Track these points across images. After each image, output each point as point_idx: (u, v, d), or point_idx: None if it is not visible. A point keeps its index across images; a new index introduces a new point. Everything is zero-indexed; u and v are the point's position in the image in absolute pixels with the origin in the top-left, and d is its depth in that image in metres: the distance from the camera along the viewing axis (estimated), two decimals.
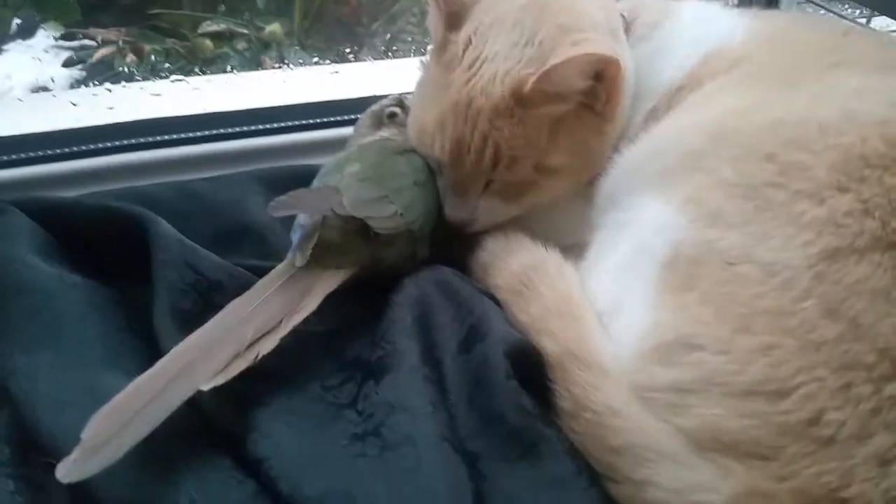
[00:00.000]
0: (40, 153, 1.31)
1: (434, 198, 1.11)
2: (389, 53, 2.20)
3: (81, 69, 1.93)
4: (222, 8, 2.25)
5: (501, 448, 0.82)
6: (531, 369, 0.87)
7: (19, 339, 0.87)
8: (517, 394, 0.84)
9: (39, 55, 1.90)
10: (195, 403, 0.79)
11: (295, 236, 0.97)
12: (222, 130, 1.42)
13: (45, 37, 1.97)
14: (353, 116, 1.29)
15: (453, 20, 1.08)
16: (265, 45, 2.18)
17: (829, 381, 0.72)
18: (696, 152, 0.90)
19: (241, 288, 0.93)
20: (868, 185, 0.78)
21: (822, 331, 0.74)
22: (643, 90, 1.12)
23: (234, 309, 0.86)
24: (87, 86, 1.75)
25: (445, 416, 0.83)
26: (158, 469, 0.76)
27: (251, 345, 0.83)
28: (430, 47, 1.16)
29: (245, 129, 1.44)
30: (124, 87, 1.71)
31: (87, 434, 0.73)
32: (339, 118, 1.50)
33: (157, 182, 1.23)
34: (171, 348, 0.83)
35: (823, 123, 0.84)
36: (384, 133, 1.20)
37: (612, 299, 0.91)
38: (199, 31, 2.16)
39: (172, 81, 1.80)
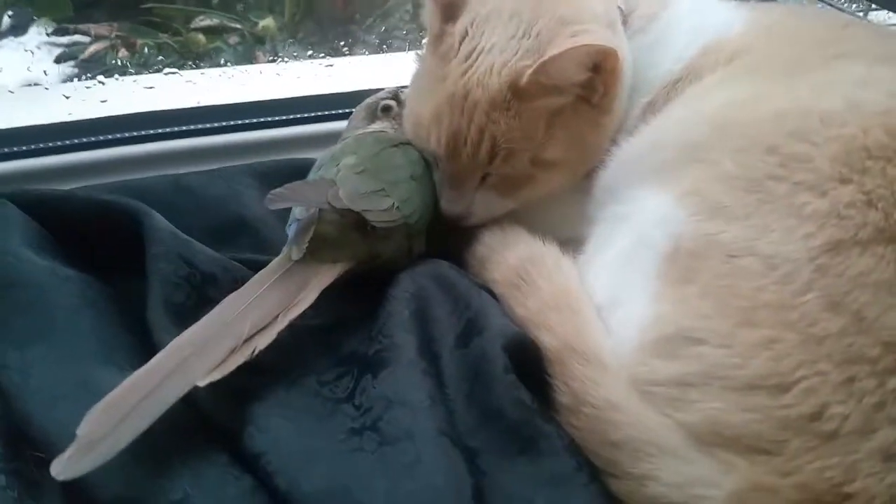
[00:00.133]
0: (33, 146, 1.29)
1: (430, 191, 1.10)
2: (384, 47, 2.19)
3: (73, 66, 1.92)
4: (215, 2, 2.24)
5: (500, 443, 0.81)
6: (529, 364, 0.86)
7: (11, 333, 0.86)
8: (516, 388, 0.83)
9: (31, 52, 1.89)
10: (191, 398, 0.79)
11: (291, 230, 0.97)
12: (216, 124, 1.41)
13: (37, 34, 1.96)
14: (347, 110, 1.29)
15: (450, 12, 1.07)
16: (258, 39, 2.17)
17: (831, 375, 0.71)
18: (697, 144, 0.90)
19: (236, 281, 0.93)
20: (870, 176, 0.78)
21: (824, 324, 0.73)
22: (641, 82, 1.11)
23: (231, 303, 0.86)
24: (80, 80, 1.74)
25: (444, 410, 0.83)
26: (153, 464, 0.76)
27: (248, 339, 0.83)
28: (425, 40, 1.15)
29: (239, 122, 1.43)
30: (117, 80, 1.69)
31: (82, 430, 0.72)
32: (333, 112, 1.49)
33: (151, 175, 1.22)
34: (165, 341, 0.83)
35: (825, 115, 0.84)
36: (378, 126, 1.19)
37: (610, 293, 0.90)
38: (192, 25, 2.15)
39: (166, 74, 1.79)
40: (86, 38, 2.02)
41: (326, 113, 1.49)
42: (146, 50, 2.03)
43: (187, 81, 1.73)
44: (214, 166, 1.28)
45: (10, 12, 1.97)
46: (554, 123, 1.04)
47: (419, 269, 1.00)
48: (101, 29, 2.04)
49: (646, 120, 1.05)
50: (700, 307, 0.79)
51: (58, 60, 1.95)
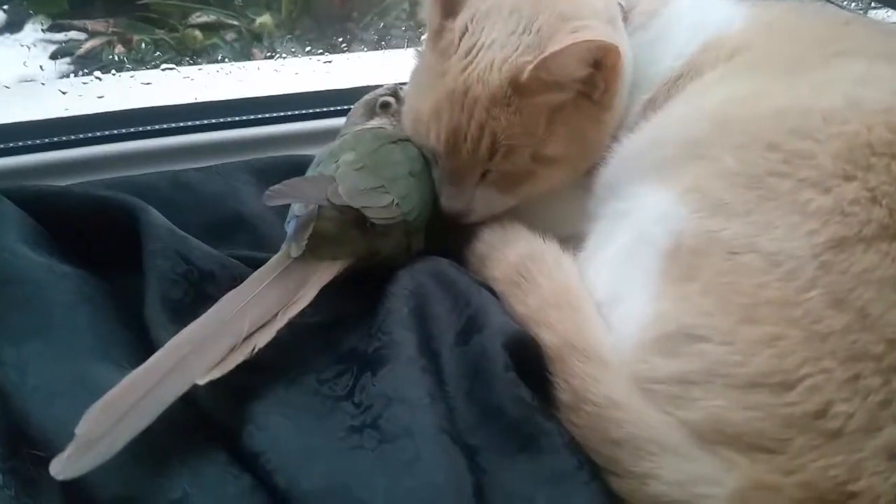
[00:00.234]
0: (29, 142, 1.29)
1: (429, 188, 1.10)
2: (383, 43, 2.18)
3: (69, 62, 1.91)
4: None
5: (500, 441, 0.81)
6: (530, 361, 0.86)
7: (8, 329, 0.86)
8: (516, 386, 0.82)
9: (27, 49, 1.88)
10: (190, 396, 0.78)
11: (290, 226, 0.96)
12: (214, 120, 1.41)
13: (32, 30, 1.95)
14: (346, 107, 1.28)
15: (449, 7, 1.07)
16: (255, 36, 2.17)
17: (836, 373, 0.71)
18: (698, 141, 0.89)
19: (234, 278, 0.93)
20: (875, 173, 0.77)
21: (828, 321, 0.73)
22: (641, 79, 1.11)
23: (230, 301, 0.85)
24: (76, 76, 1.73)
25: (444, 407, 0.82)
26: (152, 463, 0.75)
27: (247, 337, 0.82)
28: (424, 37, 1.15)
29: (237, 118, 1.43)
30: (114, 75, 1.69)
31: (81, 429, 0.72)
32: (332, 108, 1.48)
33: (149, 172, 1.22)
34: (162, 338, 0.83)
35: (827, 112, 0.83)
36: (376, 122, 1.19)
37: (611, 290, 0.90)
38: (189, 21, 2.15)
39: (163, 70, 1.78)
40: (81, 35, 2.01)
41: (324, 109, 1.49)
42: (143, 45, 2.02)
43: (185, 77, 1.72)
44: (212, 163, 1.27)
45: (5, 7, 1.96)
46: (554, 120, 1.04)
47: (418, 266, 1.00)
48: (97, 25, 2.04)
49: (646, 116, 1.05)
50: (702, 304, 0.79)
51: (53, 57, 1.94)
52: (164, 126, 1.38)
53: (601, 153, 1.05)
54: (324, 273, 0.91)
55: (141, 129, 1.36)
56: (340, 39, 2.14)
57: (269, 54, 2.09)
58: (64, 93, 1.53)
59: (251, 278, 0.89)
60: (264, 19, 2.19)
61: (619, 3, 1.13)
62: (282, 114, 1.46)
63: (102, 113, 1.40)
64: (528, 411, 0.81)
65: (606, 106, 1.06)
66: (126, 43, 2.02)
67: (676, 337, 0.78)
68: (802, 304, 0.74)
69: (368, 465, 0.77)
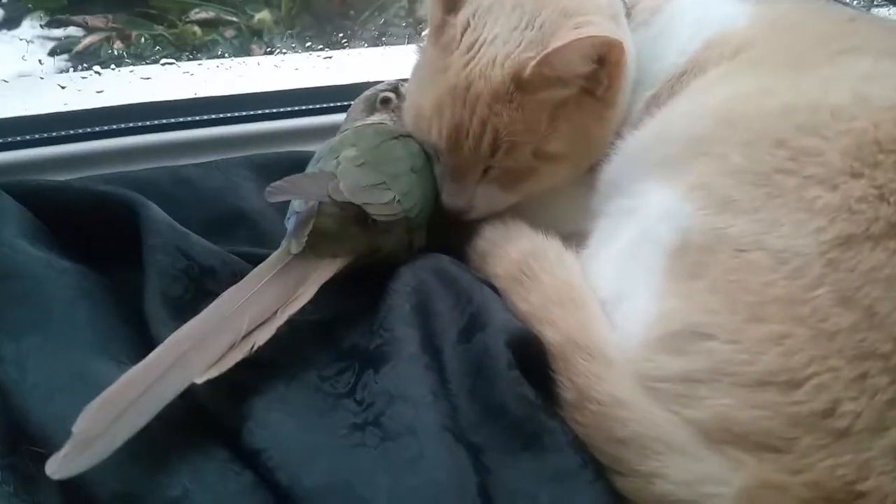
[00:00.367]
0: (28, 137, 1.28)
1: (431, 184, 1.09)
2: (384, 39, 2.18)
3: (67, 59, 1.91)
4: None
5: (504, 439, 0.81)
6: (533, 359, 0.85)
7: (7, 324, 0.85)
8: (519, 384, 0.82)
9: (25, 45, 1.87)
10: (189, 393, 0.77)
11: (290, 223, 0.96)
12: (214, 115, 1.41)
13: (30, 27, 1.95)
14: (346, 103, 1.28)
15: (451, 2, 1.06)
16: (254, 32, 2.17)
17: (843, 372, 0.70)
18: (703, 138, 0.88)
19: (234, 274, 0.92)
20: (882, 170, 0.77)
21: (835, 319, 0.72)
22: (644, 76, 1.11)
23: (229, 298, 0.85)
24: (75, 70, 1.73)
25: (447, 405, 0.82)
26: (152, 460, 0.74)
27: (246, 335, 0.82)
28: (424, 32, 1.14)
29: (237, 114, 1.42)
30: (114, 70, 1.68)
31: (78, 427, 0.71)
32: (332, 104, 1.48)
33: (148, 167, 1.21)
34: (163, 334, 0.82)
35: (835, 108, 0.83)
36: (376, 118, 1.18)
37: (615, 287, 0.89)
38: (188, 18, 2.15)
39: (163, 65, 1.78)
40: (80, 31, 2.01)
41: (325, 105, 1.49)
42: (142, 40, 2.01)
43: (184, 73, 1.71)
44: (212, 158, 1.26)
45: (3, 1, 1.96)
46: (557, 116, 1.03)
47: (420, 262, 0.99)
48: (95, 21, 2.03)
49: (650, 113, 1.04)
50: (708, 302, 0.78)
51: (52, 53, 1.93)
52: (164, 121, 1.37)
53: (604, 150, 1.04)
54: (324, 270, 0.90)
55: (140, 124, 1.36)
56: (341, 35, 2.13)
57: (268, 50, 2.08)
58: (63, 87, 1.53)
59: (251, 275, 0.88)
60: (263, 15, 2.19)
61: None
62: (282, 109, 1.46)
63: (101, 108, 1.39)
64: (531, 409, 0.81)
65: (609, 103, 1.05)
66: (125, 39, 2.01)
67: (682, 335, 0.78)
68: (809, 302, 0.73)
69: (371, 463, 0.76)
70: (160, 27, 2.09)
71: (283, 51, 2.05)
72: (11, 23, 1.96)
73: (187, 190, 1.16)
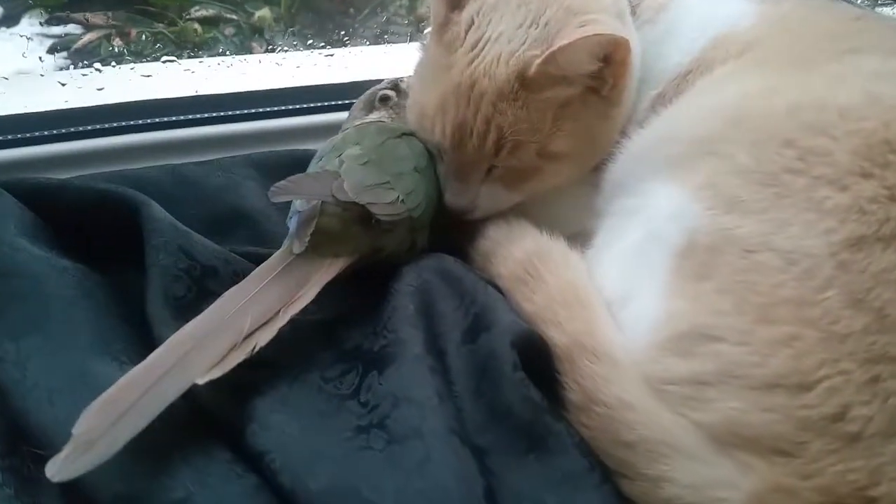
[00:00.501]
0: (28, 135, 1.28)
1: (434, 184, 1.08)
2: (386, 37, 2.17)
3: (66, 56, 1.91)
4: None
5: (509, 442, 0.80)
6: (538, 361, 0.85)
7: (6, 324, 0.85)
8: (525, 386, 0.81)
9: (24, 42, 1.87)
10: (191, 394, 0.77)
11: (292, 222, 0.95)
12: (215, 113, 1.40)
13: (28, 24, 1.95)
14: (348, 101, 1.28)
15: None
16: (254, 30, 2.17)
17: (854, 375, 0.70)
18: (710, 137, 0.88)
19: (236, 274, 0.92)
20: (893, 170, 0.76)
21: (846, 321, 0.71)
22: (649, 74, 1.10)
23: (231, 298, 0.84)
24: (75, 67, 1.72)
25: (452, 407, 0.81)
26: (154, 461, 0.74)
27: (248, 336, 0.81)
28: (426, 30, 1.13)
29: (238, 112, 1.42)
30: (114, 67, 1.67)
31: (78, 429, 0.71)
32: (334, 102, 1.47)
33: (149, 165, 1.21)
34: (165, 335, 0.81)
35: (843, 108, 0.82)
36: (375, 116, 1.18)
37: (621, 288, 0.88)
38: (188, 15, 2.14)
39: (164, 63, 1.78)
40: (79, 29, 2.00)
41: (326, 103, 1.48)
42: (143, 38, 2.01)
43: (186, 70, 1.71)
44: (213, 157, 1.26)
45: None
46: (562, 115, 1.02)
47: (423, 262, 0.98)
48: (95, 18, 2.03)
49: (656, 112, 1.04)
50: (716, 303, 0.77)
51: (51, 51, 1.93)
52: (165, 119, 1.37)
53: (609, 149, 1.04)
54: (326, 271, 0.90)
55: (141, 121, 1.35)
56: (343, 33, 2.13)
57: (269, 48, 2.08)
58: (63, 85, 1.52)
59: (253, 275, 0.87)
60: (263, 13, 2.19)
61: None
62: (283, 107, 1.45)
63: (102, 105, 1.39)
64: (537, 412, 0.80)
65: (615, 102, 1.05)
66: (124, 36, 2.01)
67: (690, 337, 0.77)
68: (820, 303, 0.72)
69: (377, 467, 0.75)
70: (160, 25, 2.08)
71: (285, 48, 2.05)
72: (10, 20, 1.95)
73: (188, 188, 1.16)
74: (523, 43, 1.00)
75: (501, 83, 1.00)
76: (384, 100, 1.20)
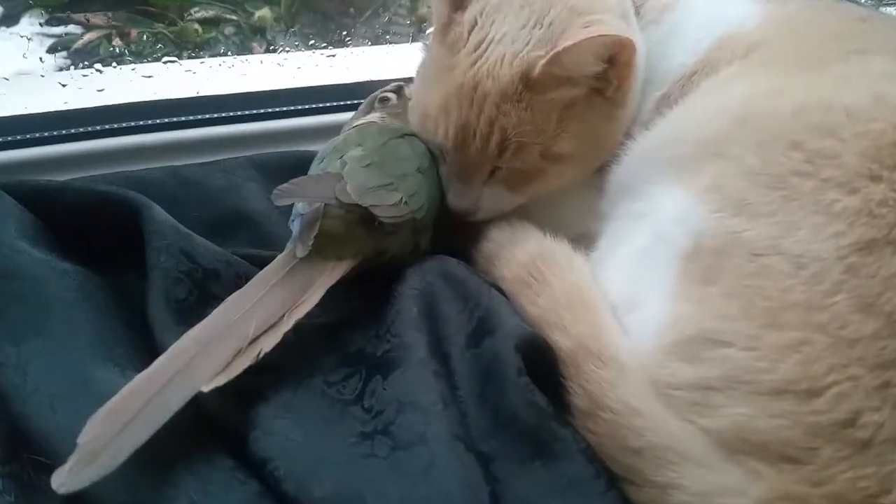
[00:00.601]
0: (28, 136, 1.27)
1: (437, 185, 1.08)
2: (387, 37, 2.17)
3: (66, 56, 1.90)
4: None
5: (514, 448, 0.79)
6: (543, 365, 0.84)
7: (6, 327, 0.84)
8: (530, 391, 0.80)
9: (23, 42, 1.86)
10: (194, 400, 0.76)
11: (294, 225, 0.94)
12: (217, 114, 1.40)
13: (28, 24, 1.94)
14: (350, 102, 1.28)
15: (458, 0, 1.05)
16: (255, 30, 2.16)
17: (864, 380, 0.69)
18: (717, 139, 0.87)
19: (238, 277, 0.92)
20: None
21: (856, 326, 0.70)
22: (653, 75, 1.09)
23: (235, 303, 0.84)
24: (76, 68, 1.72)
25: (457, 413, 0.80)
26: (157, 470, 0.73)
27: (253, 341, 0.80)
28: (428, 30, 1.13)
29: (240, 113, 1.41)
30: (115, 68, 1.67)
31: (83, 439, 0.70)
32: (336, 103, 1.47)
33: (150, 167, 1.20)
34: (167, 339, 0.81)
35: (851, 109, 0.81)
36: (373, 117, 1.17)
37: (627, 292, 0.87)
38: (188, 16, 2.14)
39: (165, 63, 1.77)
40: (79, 29, 2.00)
41: (328, 104, 1.48)
42: (143, 38, 2.00)
43: (187, 71, 1.70)
44: (214, 158, 1.25)
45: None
46: (566, 116, 1.01)
47: (427, 265, 0.98)
48: (95, 18, 2.02)
49: (660, 113, 1.03)
50: (724, 308, 0.76)
51: (51, 51, 1.92)
52: (166, 120, 1.36)
53: (613, 151, 1.03)
54: (330, 274, 0.89)
55: (142, 123, 1.34)
56: (344, 33, 2.12)
57: (270, 48, 2.07)
58: (64, 85, 1.52)
59: (256, 279, 0.87)
60: (263, 13, 2.18)
61: None
62: (285, 108, 1.45)
63: (103, 106, 1.38)
64: (542, 418, 0.79)
65: (619, 103, 1.04)
66: (124, 37, 2.00)
67: (697, 341, 0.76)
68: (829, 308, 0.71)
69: (381, 473, 0.75)
70: (160, 25, 2.08)
71: (286, 49, 2.04)
72: (10, 20, 1.94)
73: (189, 190, 1.15)
74: (527, 44, 1.00)
75: (505, 84, 0.99)
76: (383, 101, 1.19)
